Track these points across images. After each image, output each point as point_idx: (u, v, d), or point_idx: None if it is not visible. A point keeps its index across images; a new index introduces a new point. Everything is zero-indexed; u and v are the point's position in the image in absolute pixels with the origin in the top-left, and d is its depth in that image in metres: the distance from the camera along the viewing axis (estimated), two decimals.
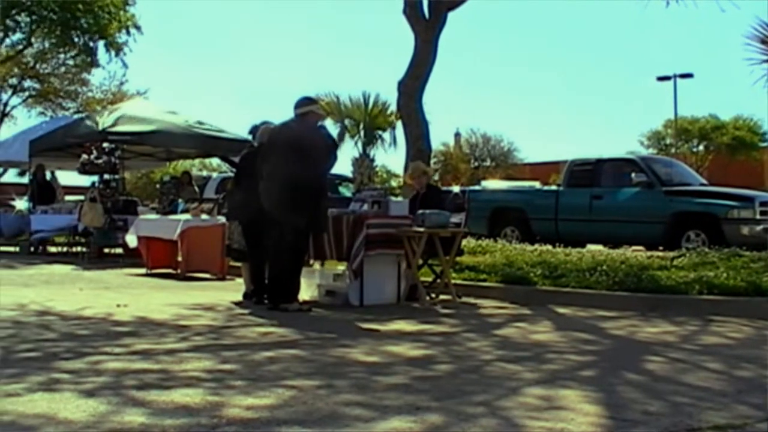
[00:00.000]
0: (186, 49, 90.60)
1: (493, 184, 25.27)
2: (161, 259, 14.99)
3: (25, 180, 27.01)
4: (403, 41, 15.74)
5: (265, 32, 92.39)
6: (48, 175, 23.83)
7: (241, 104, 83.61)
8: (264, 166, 9.80)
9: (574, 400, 5.00)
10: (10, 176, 39.58)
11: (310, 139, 9.67)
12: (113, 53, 35.15)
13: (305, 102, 10.05)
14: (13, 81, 41.29)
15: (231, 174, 21.62)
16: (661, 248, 15.94)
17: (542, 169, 42.46)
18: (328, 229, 10.37)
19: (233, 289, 11.59)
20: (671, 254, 13.35)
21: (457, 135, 59.53)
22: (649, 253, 14.45)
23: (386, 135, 29.97)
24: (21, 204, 24.02)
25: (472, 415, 4.60)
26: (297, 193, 9.40)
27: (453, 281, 10.94)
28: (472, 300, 10.83)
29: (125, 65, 36.72)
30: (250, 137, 11.43)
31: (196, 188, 20.12)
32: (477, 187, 22.70)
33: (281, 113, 15.25)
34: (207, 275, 14.08)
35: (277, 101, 75.29)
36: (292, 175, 9.41)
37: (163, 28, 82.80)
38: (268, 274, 10.07)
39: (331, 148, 10.06)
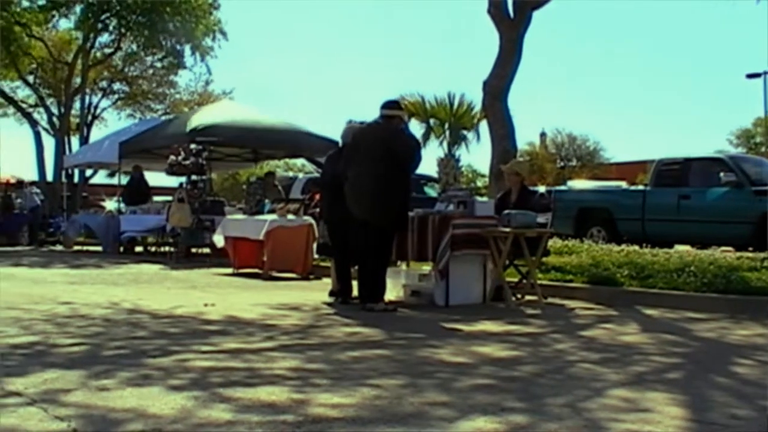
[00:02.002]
0: (268, 52, 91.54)
1: (579, 184, 25.06)
2: (248, 259, 15.13)
3: (115, 181, 27.54)
4: (489, 40, 15.64)
5: (350, 34, 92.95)
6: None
7: (326, 106, 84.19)
8: (349, 167, 9.86)
9: (660, 402, 4.94)
10: (100, 177, 40.43)
11: (394, 139, 9.74)
12: (198, 57, 35.73)
13: (394, 106, 10.16)
14: (103, 84, 42.25)
15: (317, 174, 21.78)
16: (750, 249, 15.65)
17: (629, 169, 41.99)
18: (413, 229, 10.39)
19: (318, 289, 11.67)
20: (761, 255, 13.09)
21: (543, 135, 59.37)
22: (738, 254, 14.19)
23: (471, 135, 30.04)
24: (111, 204, 24.48)
25: (557, 415, 4.58)
26: (381, 193, 9.46)
27: (539, 282, 10.86)
28: (558, 301, 10.78)
29: (209, 71, 37.43)
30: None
31: (280, 188, 20.25)
32: (563, 187, 22.57)
33: (367, 115, 15.30)
34: (291, 275, 14.19)
35: (362, 102, 75.69)
36: (377, 176, 9.48)
37: (249, 29, 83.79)
38: (357, 274, 10.13)
39: (415, 148, 10.07)
